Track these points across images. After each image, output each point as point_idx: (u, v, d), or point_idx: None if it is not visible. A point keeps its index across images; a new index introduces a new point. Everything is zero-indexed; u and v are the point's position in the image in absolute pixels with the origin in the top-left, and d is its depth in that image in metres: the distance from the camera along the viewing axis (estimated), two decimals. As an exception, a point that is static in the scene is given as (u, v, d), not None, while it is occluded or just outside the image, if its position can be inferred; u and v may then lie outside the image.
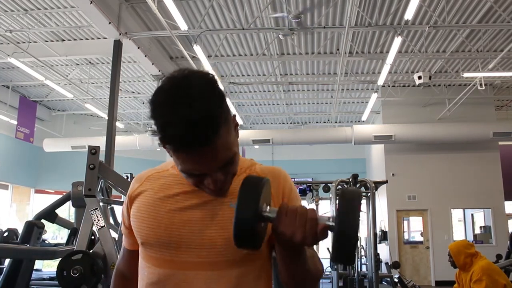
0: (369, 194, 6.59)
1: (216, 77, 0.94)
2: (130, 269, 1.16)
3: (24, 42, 8.50)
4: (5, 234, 5.49)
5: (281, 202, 0.99)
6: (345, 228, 0.80)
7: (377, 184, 6.85)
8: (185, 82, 0.88)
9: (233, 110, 11.13)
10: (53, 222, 4.99)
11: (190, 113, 0.83)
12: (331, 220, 0.84)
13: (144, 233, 1.00)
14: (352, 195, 0.84)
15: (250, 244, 0.85)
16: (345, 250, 0.81)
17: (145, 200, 1.04)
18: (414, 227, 11.49)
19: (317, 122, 14.61)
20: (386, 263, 8.70)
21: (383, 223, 10.93)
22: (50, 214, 4.83)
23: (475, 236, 11.31)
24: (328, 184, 8.14)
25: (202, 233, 0.96)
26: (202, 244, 0.96)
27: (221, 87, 0.94)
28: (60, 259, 3.12)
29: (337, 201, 0.87)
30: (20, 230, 4.91)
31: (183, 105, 0.84)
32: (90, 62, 9.74)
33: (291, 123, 14.43)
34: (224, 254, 0.96)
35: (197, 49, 7.27)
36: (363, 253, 7.79)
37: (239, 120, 12.19)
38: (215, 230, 0.96)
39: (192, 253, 0.96)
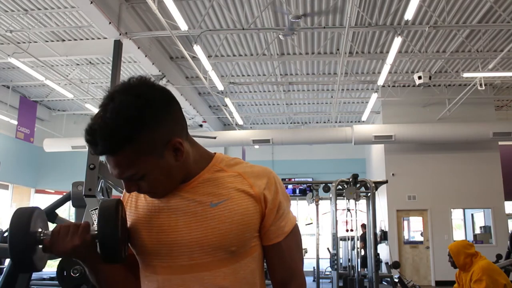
0: (369, 194, 6.60)
1: (155, 96, 0.96)
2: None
3: (24, 42, 8.49)
4: (5, 234, 5.49)
5: (268, 211, 1.02)
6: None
7: (377, 184, 6.86)
8: (114, 95, 0.94)
9: (233, 110, 11.12)
10: (53, 222, 4.98)
11: (93, 124, 0.92)
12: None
13: (138, 244, 1.03)
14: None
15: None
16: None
17: (133, 212, 1.08)
18: (414, 227, 11.49)
19: (317, 122, 14.61)
20: (386, 263, 8.71)
21: (383, 223, 10.93)
22: (50, 214, 4.82)
23: (475, 236, 11.31)
24: (328, 184, 8.15)
25: (189, 235, 0.98)
26: (191, 246, 0.98)
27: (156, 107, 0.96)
28: (60, 259, 3.12)
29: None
30: (20, 230, 4.90)
31: (97, 115, 0.94)
32: (90, 62, 9.74)
33: (291, 123, 14.43)
34: (213, 254, 0.98)
35: (197, 49, 7.27)
36: (363, 253, 7.81)
37: (239, 120, 12.17)
38: (200, 232, 0.98)
39: (185, 256, 0.98)
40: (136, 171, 0.95)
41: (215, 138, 9.61)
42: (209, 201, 1.00)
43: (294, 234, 1.06)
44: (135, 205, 1.09)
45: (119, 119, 0.90)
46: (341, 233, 7.66)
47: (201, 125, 12.73)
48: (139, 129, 0.92)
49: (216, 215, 0.98)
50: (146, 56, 8.02)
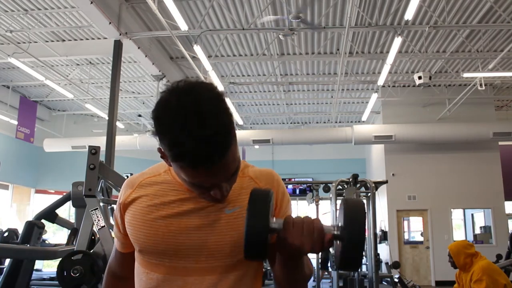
0: (369, 194, 6.59)
1: (221, 90, 0.94)
2: (122, 269, 1.18)
3: (24, 42, 8.49)
4: (5, 234, 5.49)
5: (278, 208, 1.03)
6: (352, 238, 0.84)
7: (377, 184, 6.84)
8: (192, 96, 0.84)
9: (233, 110, 11.15)
10: (53, 222, 4.99)
11: (203, 131, 0.81)
12: (336, 229, 0.88)
13: (141, 241, 1.00)
14: (355, 205, 0.88)
15: (260, 255, 0.87)
16: (352, 258, 0.85)
17: (140, 208, 1.02)
18: (414, 227, 11.49)
19: (317, 122, 14.60)
20: (386, 263, 8.71)
21: (383, 223, 10.93)
22: (50, 214, 4.83)
23: (475, 236, 11.31)
24: (328, 184, 8.14)
25: (200, 240, 0.97)
26: (200, 250, 0.97)
27: (227, 100, 0.93)
28: (60, 259, 3.12)
29: (340, 210, 0.90)
30: (20, 230, 4.91)
31: (195, 122, 0.81)
32: (90, 62, 9.74)
33: (291, 123, 14.43)
34: (222, 259, 0.97)
35: (197, 49, 7.27)
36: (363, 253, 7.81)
37: (239, 120, 12.19)
38: (213, 237, 0.97)
39: (190, 259, 0.97)
40: (239, 160, 0.92)
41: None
42: (224, 207, 0.99)
43: None
44: (143, 200, 1.03)
45: (223, 113, 0.85)
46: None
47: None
48: (233, 116, 0.89)
49: (230, 222, 0.98)
50: (146, 56, 8.03)
